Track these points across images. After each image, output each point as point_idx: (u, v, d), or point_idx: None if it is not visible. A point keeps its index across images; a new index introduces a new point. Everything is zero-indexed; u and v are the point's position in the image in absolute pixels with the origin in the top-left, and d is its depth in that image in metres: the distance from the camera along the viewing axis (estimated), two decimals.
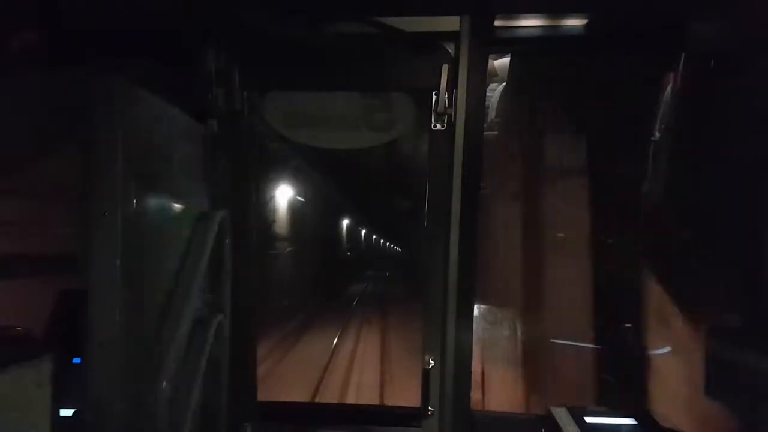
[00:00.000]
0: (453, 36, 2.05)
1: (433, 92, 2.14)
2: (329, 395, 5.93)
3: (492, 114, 2.88)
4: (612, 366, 2.66)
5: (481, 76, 2.08)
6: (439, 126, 2.17)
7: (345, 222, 21.46)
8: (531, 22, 2.15)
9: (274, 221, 10.29)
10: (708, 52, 2.15)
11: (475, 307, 2.31)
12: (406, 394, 5.55)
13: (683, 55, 2.29)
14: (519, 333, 2.81)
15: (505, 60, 2.70)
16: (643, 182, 2.52)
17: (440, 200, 2.17)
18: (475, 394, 2.66)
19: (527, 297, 2.81)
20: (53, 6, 2.12)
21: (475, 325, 2.22)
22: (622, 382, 2.60)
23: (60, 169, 2.49)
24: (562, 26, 2.16)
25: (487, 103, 2.71)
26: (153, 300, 1.64)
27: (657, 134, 2.45)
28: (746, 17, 1.94)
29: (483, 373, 2.78)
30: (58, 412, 1.75)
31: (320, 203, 14.88)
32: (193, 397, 1.82)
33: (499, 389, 2.76)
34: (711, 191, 2.21)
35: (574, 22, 2.13)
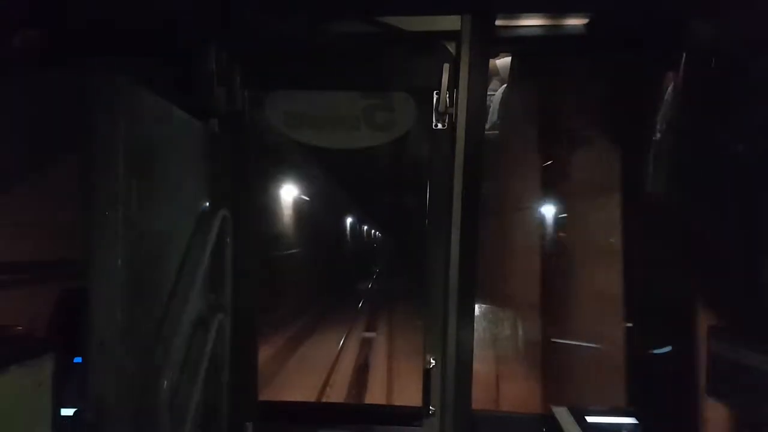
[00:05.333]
0: (454, 35, 2.05)
1: (435, 92, 2.15)
2: None
3: (495, 115, 2.88)
4: (613, 365, 2.66)
5: (482, 76, 2.08)
6: (440, 125, 2.17)
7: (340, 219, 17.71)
8: (532, 21, 2.15)
9: None
10: (708, 51, 2.15)
11: (476, 306, 2.30)
12: None
13: (684, 54, 2.29)
14: (520, 332, 2.81)
15: (508, 59, 2.70)
16: (644, 181, 2.52)
17: (441, 199, 2.17)
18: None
19: (529, 296, 2.81)
20: (53, 6, 2.12)
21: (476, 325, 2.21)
22: (623, 381, 2.60)
23: (61, 168, 2.49)
24: (562, 26, 2.16)
25: (488, 102, 2.71)
26: (153, 300, 1.64)
27: (658, 134, 2.45)
28: (746, 17, 1.94)
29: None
30: (59, 412, 1.75)
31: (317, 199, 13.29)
32: (193, 397, 1.82)
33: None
34: (711, 190, 2.21)
35: (575, 22, 2.14)
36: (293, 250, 10.39)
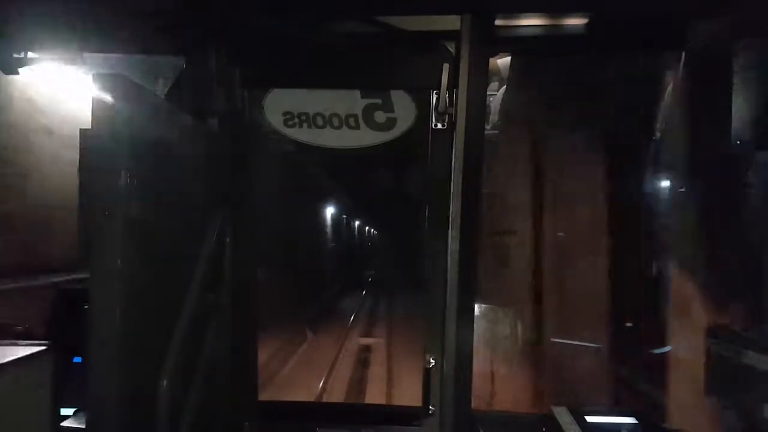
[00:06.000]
0: (454, 35, 2.05)
1: (434, 91, 2.14)
2: None
3: (495, 115, 2.88)
4: (612, 365, 2.66)
5: (481, 76, 2.08)
6: (440, 125, 2.17)
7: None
8: (531, 21, 2.16)
9: None
10: (708, 51, 2.15)
11: (476, 306, 2.30)
12: None
13: (683, 53, 2.29)
14: (520, 332, 2.81)
15: (508, 59, 2.70)
16: (644, 181, 2.52)
17: (441, 199, 2.17)
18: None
19: (529, 296, 2.80)
20: (53, 6, 2.12)
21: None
22: (623, 380, 2.60)
23: (61, 168, 2.49)
24: (562, 26, 2.16)
25: (488, 102, 2.71)
26: (153, 299, 1.64)
27: (657, 133, 2.45)
28: (746, 17, 1.94)
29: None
30: (59, 411, 1.76)
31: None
32: (193, 397, 1.82)
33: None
34: (710, 190, 2.22)
35: (575, 22, 2.14)
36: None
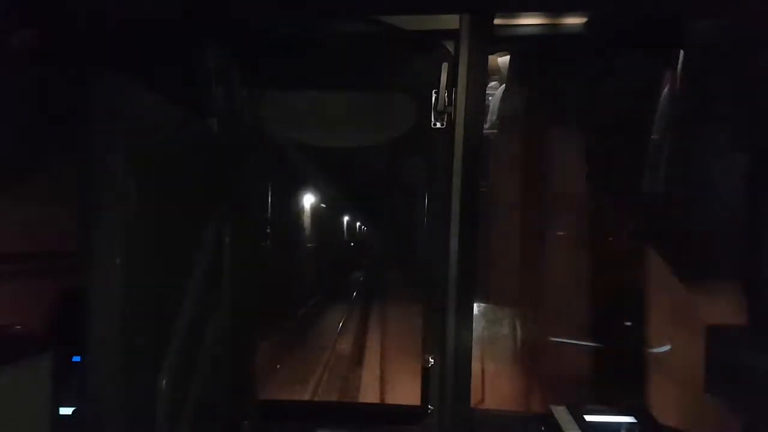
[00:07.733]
0: (453, 34, 2.05)
1: (433, 90, 2.15)
2: None
3: (494, 114, 2.88)
4: (612, 364, 2.66)
5: (480, 75, 2.08)
6: (439, 124, 2.17)
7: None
8: (531, 21, 2.16)
9: None
10: (707, 50, 2.15)
11: (475, 305, 2.30)
12: None
13: (682, 53, 2.29)
14: (519, 331, 2.81)
15: (508, 58, 2.70)
16: (643, 181, 2.52)
17: (440, 199, 2.17)
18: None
19: (527, 295, 2.81)
20: (53, 6, 2.12)
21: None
22: (622, 380, 2.60)
23: (60, 168, 2.49)
24: (561, 25, 2.16)
25: (487, 102, 2.71)
26: (153, 299, 1.64)
27: (656, 132, 2.45)
28: (746, 16, 1.94)
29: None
30: (58, 411, 1.75)
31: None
32: (192, 396, 1.82)
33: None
34: (710, 190, 2.21)
35: (574, 21, 2.14)
36: None
